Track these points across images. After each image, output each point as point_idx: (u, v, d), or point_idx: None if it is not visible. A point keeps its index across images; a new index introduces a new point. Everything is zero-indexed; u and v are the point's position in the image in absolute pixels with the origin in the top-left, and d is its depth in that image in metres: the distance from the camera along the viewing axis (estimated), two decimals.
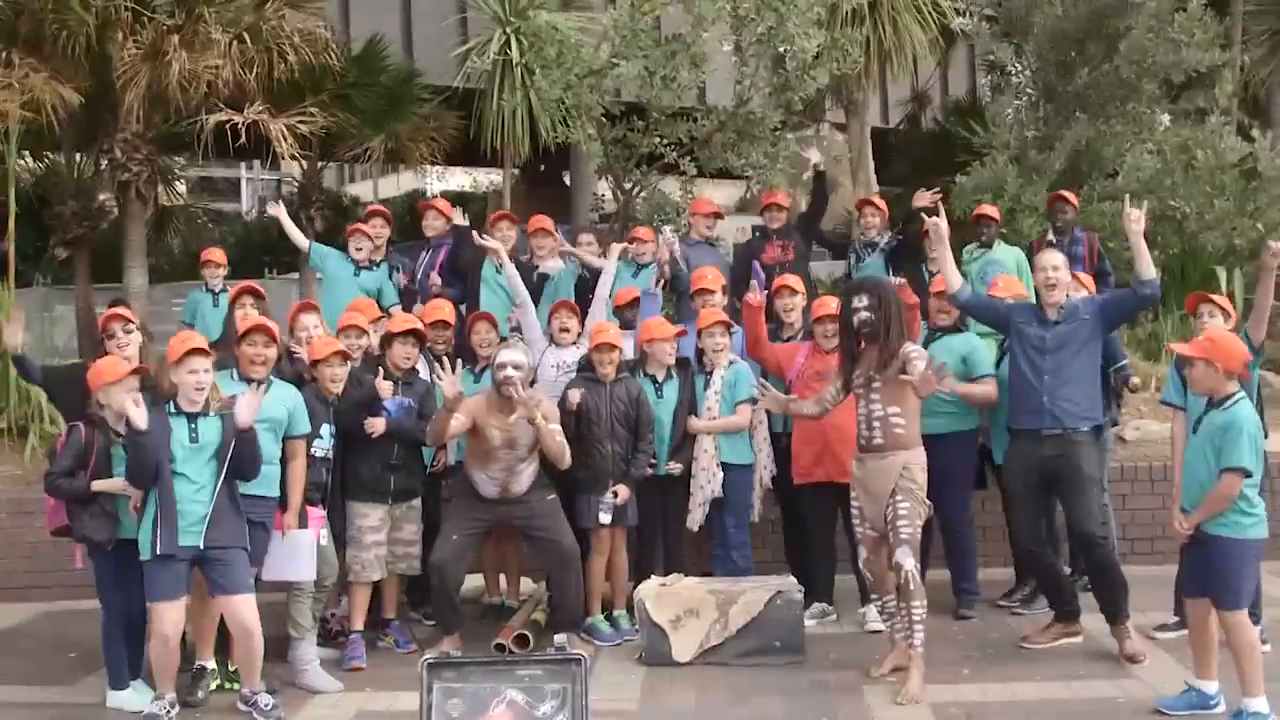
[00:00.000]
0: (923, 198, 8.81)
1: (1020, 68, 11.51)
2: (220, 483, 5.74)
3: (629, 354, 7.57)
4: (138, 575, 5.95)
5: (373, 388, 6.71)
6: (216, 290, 9.27)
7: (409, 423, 6.87)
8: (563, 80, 10.03)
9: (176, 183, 19.78)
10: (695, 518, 7.34)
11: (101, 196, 14.38)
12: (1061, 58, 11.14)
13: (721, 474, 7.31)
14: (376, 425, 6.74)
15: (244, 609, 5.80)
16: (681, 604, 6.69)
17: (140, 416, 5.62)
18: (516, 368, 6.60)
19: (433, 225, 9.25)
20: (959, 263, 8.73)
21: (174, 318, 14.57)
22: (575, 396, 7.09)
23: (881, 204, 9.25)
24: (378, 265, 9.11)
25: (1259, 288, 7.11)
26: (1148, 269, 6.39)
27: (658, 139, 10.31)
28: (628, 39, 9.94)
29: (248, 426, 5.78)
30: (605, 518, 7.06)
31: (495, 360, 6.74)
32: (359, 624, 6.87)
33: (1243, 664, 5.40)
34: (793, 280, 7.83)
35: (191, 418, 5.75)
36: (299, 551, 6.31)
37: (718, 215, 9.30)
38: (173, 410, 5.77)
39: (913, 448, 6.23)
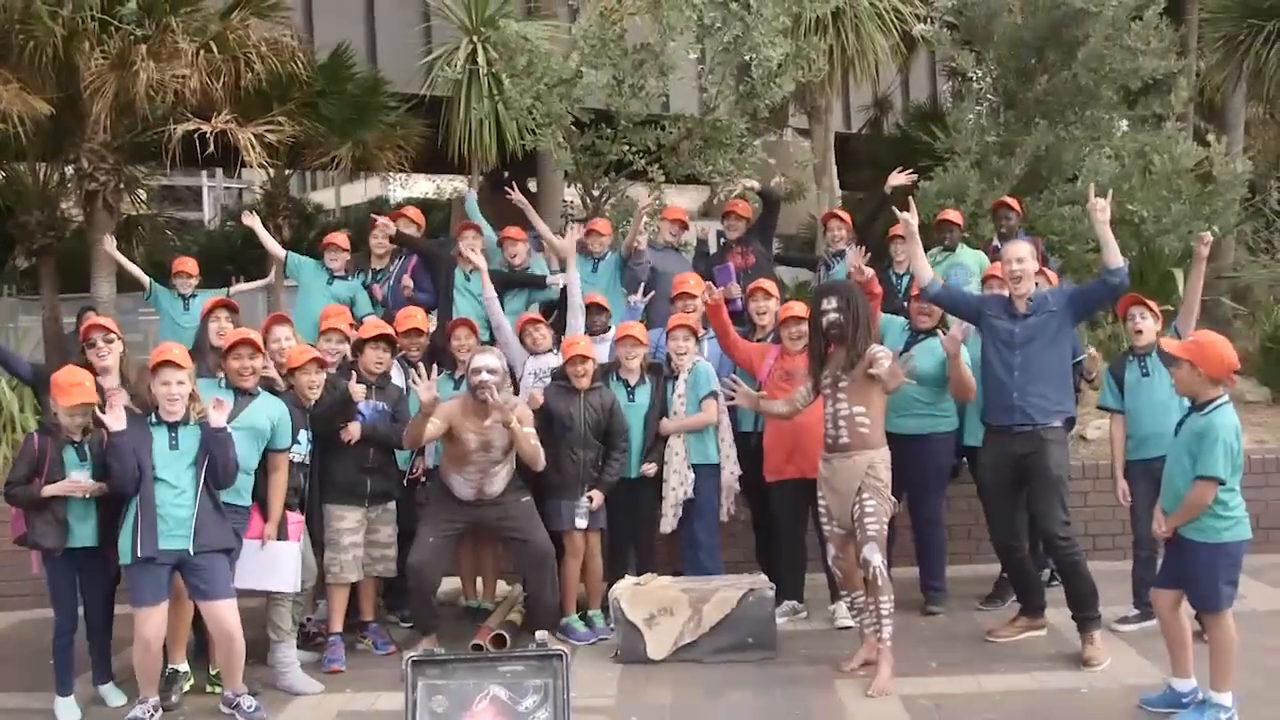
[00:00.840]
0: (898, 177, 8.99)
1: (981, 74, 11.69)
2: (200, 489, 5.83)
3: (603, 357, 7.69)
4: (91, 582, 6.17)
5: (346, 392, 6.81)
6: (187, 295, 9.35)
7: (384, 427, 6.98)
8: (533, 89, 10.12)
9: (139, 192, 19.73)
10: (668, 521, 7.44)
11: (64, 205, 14.36)
12: (1021, 65, 11.31)
13: (693, 475, 7.43)
14: (352, 432, 6.85)
15: (226, 613, 5.89)
16: (656, 603, 6.80)
17: (116, 421, 5.73)
18: (491, 372, 6.70)
19: (403, 233, 9.33)
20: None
21: (141, 327, 14.63)
22: (539, 396, 7.23)
23: (845, 216, 9.37)
24: (379, 274, 9.19)
25: (1190, 280, 7.24)
26: (1115, 257, 6.35)
27: (626, 146, 10.43)
28: (596, 48, 10.06)
29: (220, 426, 5.85)
30: (582, 522, 7.19)
31: (470, 365, 6.85)
32: (338, 626, 6.95)
33: (1216, 660, 5.50)
34: (766, 284, 7.96)
35: (172, 426, 5.85)
36: (281, 562, 6.39)
37: (684, 224, 9.41)
38: (154, 420, 5.86)
39: (878, 447, 6.36)
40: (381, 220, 9.36)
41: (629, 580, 7.06)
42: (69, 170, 13.39)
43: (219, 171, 33.53)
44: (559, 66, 10.05)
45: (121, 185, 13.14)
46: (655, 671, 6.60)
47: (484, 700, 4.90)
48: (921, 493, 7.54)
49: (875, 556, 6.21)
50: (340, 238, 9.40)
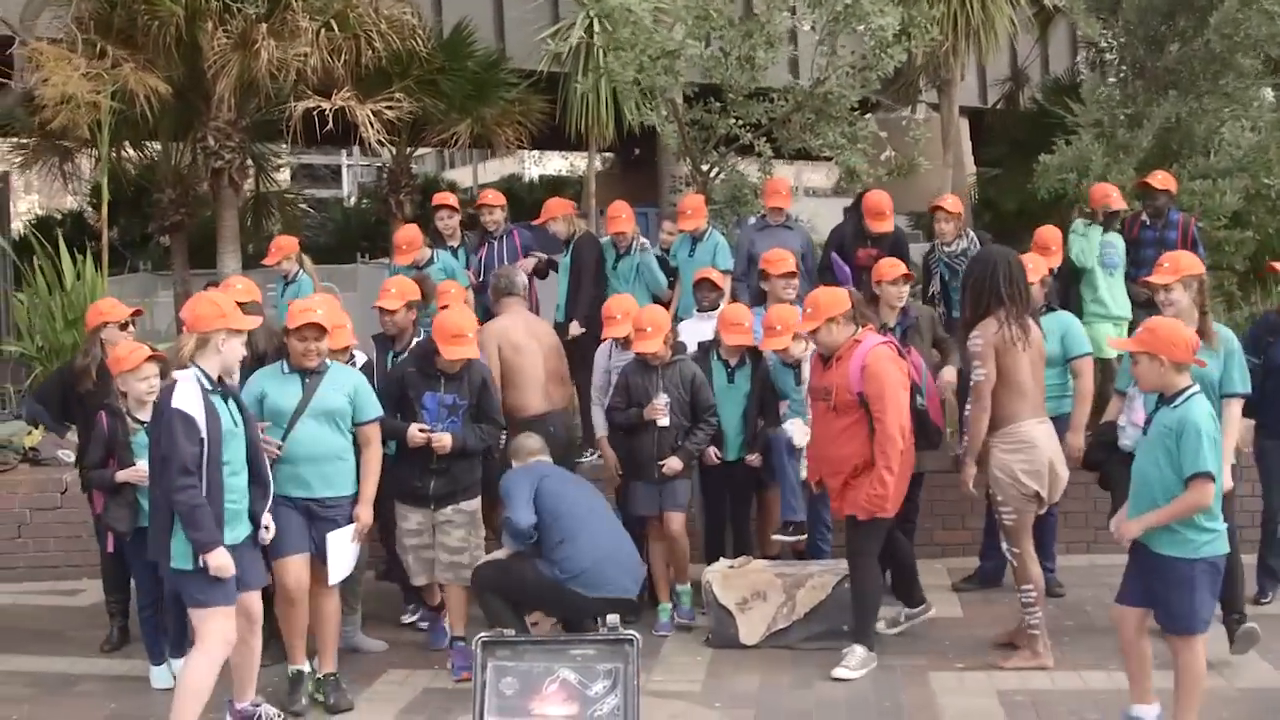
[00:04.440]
0: None
1: (1110, 44, 11.17)
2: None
3: (707, 334, 7.50)
4: None
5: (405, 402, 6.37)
6: (289, 279, 9.29)
7: (474, 436, 6.34)
8: (635, 62, 9.93)
9: (278, 170, 20.26)
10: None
11: (201, 185, 14.74)
12: (1150, 33, 10.79)
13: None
14: (443, 442, 6.19)
15: (254, 603, 5.36)
16: (749, 587, 6.67)
17: None
18: None
19: (493, 219, 9.27)
20: (1065, 236, 8.46)
21: (267, 301, 14.93)
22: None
23: (953, 207, 8.62)
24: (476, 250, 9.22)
25: None
26: None
27: (733, 120, 10.17)
28: (699, 19, 9.86)
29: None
30: (664, 421, 6.85)
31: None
32: (460, 629, 6.36)
33: (1183, 689, 4.94)
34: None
35: (234, 399, 5.31)
36: (337, 553, 5.88)
37: (781, 209, 9.02)
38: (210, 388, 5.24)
39: None
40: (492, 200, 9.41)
41: (723, 563, 6.92)
42: (199, 149, 13.72)
43: (356, 149, 34.21)
44: (662, 39, 9.84)
45: (246, 163, 13.44)
46: (745, 657, 6.47)
47: (554, 683, 4.82)
48: None
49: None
50: (448, 196, 9.41)
